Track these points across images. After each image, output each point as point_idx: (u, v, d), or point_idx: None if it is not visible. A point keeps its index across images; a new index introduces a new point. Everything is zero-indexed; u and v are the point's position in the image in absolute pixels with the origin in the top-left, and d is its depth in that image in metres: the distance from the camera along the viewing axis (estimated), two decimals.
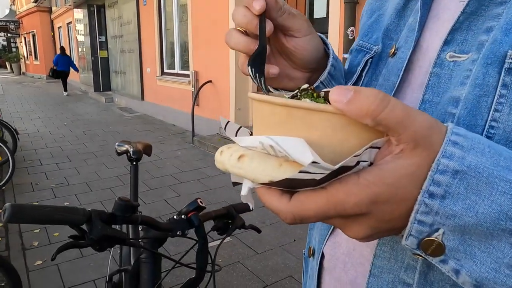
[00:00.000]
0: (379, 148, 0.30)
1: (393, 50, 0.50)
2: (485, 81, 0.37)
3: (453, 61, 0.41)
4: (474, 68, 0.38)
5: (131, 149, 1.55)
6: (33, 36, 21.86)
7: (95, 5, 11.23)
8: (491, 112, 0.36)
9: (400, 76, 0.47)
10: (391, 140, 0.29)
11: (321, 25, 4.35)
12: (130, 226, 1.38)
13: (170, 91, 7.71)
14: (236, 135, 0.40)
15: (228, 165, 0.33)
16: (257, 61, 0.43)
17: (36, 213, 0.78)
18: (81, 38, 14.06)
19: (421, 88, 0.44)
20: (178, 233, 1.02)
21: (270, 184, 0.31)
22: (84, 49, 13.67)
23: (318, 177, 0.27)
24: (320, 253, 0.56)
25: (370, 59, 0.54)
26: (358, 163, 0.28)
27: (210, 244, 1.05)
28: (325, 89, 0.32)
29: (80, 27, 13.88)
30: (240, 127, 0.41)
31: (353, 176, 0.29)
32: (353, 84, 0.55)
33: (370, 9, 0.61)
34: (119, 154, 1.61)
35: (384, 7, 0.57)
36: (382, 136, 0.29)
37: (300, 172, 0.27)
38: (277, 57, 0.50)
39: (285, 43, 0.47)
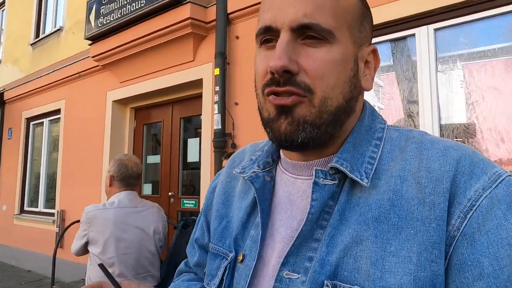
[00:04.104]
0: None
1: (241, 257, 0.63)
2: None
3: (288, 278, 0.56)
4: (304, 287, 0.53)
5: None
6: None
7: None
8: None
9: (248, 282, 0.60)
10: None
11: (195, 166, 4.70)
12: None
13: (30, 232, 6.86)
14: None
15: None
16: None
17: None
18: None
19: None
20: None
21: None
22: None
23: None
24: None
25: (229, 264, 0.65)
26: None
27: None
28: None
29: None
30: None
31: None
32: (217, 286, 0.65)
33: (218, 216, 0.73)
34: None
35: (230, 214, 0.71)
36: None
37: None
38: None
39: None
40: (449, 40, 2.76)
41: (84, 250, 2.22)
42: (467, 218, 0.49)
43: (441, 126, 2.72)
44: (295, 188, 0.63)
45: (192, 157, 4.90)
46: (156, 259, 2.26)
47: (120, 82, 5.34)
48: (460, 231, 0.49)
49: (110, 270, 2.19)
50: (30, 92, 7.33)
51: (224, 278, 0.65)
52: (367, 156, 0.58)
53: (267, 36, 0.58)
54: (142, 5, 4.46)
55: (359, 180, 0.55)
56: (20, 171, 7.46)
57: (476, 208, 0.49)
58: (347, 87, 0.57)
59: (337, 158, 0.57)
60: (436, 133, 2.70)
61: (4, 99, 8.16)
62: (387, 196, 0.53)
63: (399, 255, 0.49)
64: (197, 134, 4.79)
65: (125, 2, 4.68)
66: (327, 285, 0.51)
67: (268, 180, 0.65)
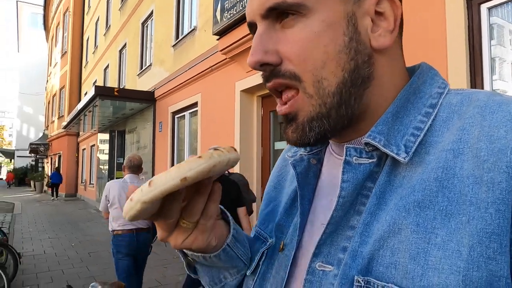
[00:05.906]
0: None
1: (281, 246, 0.59)
2: None
3: (321, 270, 0.49)
4: (335, 283, 0.46)
5: None
6: (59, 157, 23.27)
7: (116, 131, 12.17)
8: None
9: (287, 272, 0.55)
10: None
11: None
12: None
13: None
14: None
15: (142, 198, 0.41)
16: None
17: None
18: (103, 157, 14.92)
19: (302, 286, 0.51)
20: None
21: (183, 184, 0.41)
22: (104, 169, 14.40)
23: None
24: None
25: (266, 250, 0.61)
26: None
27: None
28: None
29: (104, 147, 14.86)
30: None
31: None
32: (252, 271, 0.62)
33: (268, 198, 0.70)
34: None
35: (279, 197, 0.67)
36: None
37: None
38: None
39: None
40: None
41: (107, 206, 3.77)
42: None
43: None
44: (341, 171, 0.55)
45: None
46: None
47: (246, 72, 5.59)
48: None
49: (115, 211, 3.53)
50: (173, 88, 8.28)
51: (260, 264, 0.61)
52: (411, 127, 0.48)
53: (253, 32, 0.54)
54: None
55: (394, 155, 0.46)
56: (169, 161, 8.54)
57: None
58: (344, 56, 0.48)
59: (370, 132, 0.49)
60: None
61: (155, 96, 9.42)
62: (435, 175, 0.43)
63: (446, 248, 0.39)
64: None
65: None
66: (358, 281, 0.44)
67: (314, 163, 0.59)
